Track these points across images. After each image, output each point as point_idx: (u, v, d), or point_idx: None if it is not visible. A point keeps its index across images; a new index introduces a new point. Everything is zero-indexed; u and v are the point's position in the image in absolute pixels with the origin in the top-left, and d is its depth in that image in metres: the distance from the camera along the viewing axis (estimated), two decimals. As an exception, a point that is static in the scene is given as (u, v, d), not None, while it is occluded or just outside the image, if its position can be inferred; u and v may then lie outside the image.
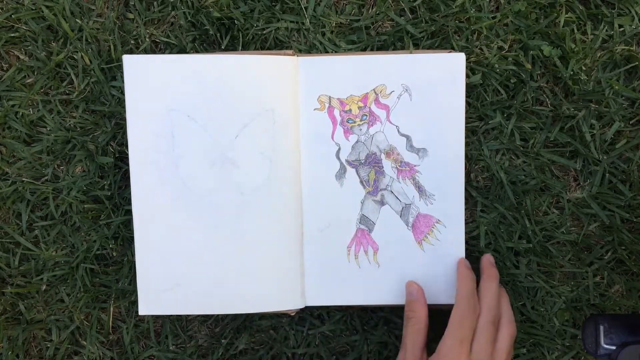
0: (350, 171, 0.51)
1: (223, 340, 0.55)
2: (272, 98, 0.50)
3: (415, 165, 0.51)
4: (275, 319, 0.55)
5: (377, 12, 0.52)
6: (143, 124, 0.49)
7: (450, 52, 0.50)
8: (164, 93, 0.49)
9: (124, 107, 0.53)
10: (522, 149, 0.52)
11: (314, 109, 0.51)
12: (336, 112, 0.51)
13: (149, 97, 0.49)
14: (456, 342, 0.44)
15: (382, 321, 0.54)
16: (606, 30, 0.52)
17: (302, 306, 0.52)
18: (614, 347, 0.45)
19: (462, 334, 0.44)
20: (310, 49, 0.52)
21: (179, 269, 0.50)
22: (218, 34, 0.53)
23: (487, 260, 0.50)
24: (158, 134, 0.50)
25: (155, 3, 0.53)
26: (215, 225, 0.50)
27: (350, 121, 0.51)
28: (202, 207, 0.50)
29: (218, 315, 0.55)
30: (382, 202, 0.51)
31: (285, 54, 0.50)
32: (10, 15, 0.54)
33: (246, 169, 0.50)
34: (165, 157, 0.50)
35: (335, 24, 0.52)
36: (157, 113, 0.50)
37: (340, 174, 0.51)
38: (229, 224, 0.50)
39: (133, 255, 0.54)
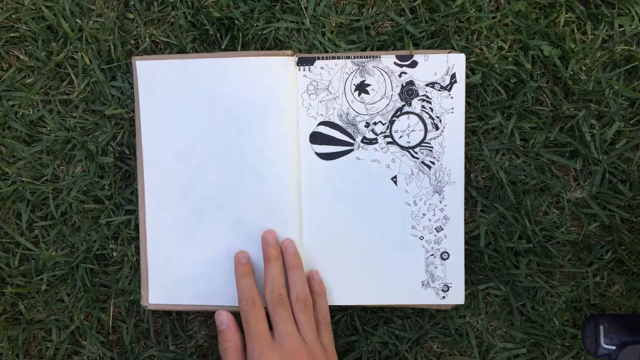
0: (350, 171, 0.52)
1: (223, 340, 0.55)
2: (272, 98, 0.50)
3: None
4: (275, 319, 0.55)
5: (377, 12, 0.52)
6: (155, 127, 0.51)
7: (450, 52, 0.50)
8: (171, 95, 0.51)
9: (124, 107, 0.53)
10: (522, 149, 0.52)
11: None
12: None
13: (159, 100, 0.51)
14: (253, 341, 0.45)
15: (382, 321, 0.54)
16: (606, 30, 0.52)
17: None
18: (614, 347, 0.45)
19: (254, 331, 0.45)
20: (310, 49, 0.52)
21: (184, 265, 0.52)
22: (218, 34, 0.53)
23: (263, 239, 0.50)
24: (165, 135, 0.51)
25: (155, 3, 0.53)
26: (218, 223, 0.51)
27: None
28: (206, 206, 0.51)
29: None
30: (382, 202, 0.51)
31: (285, 54, 0.50)
32: (10, 15, 0.54)
33: (247, 169, 0.51)
34: (172, 156, 0.51)
35: (335, 24, 0.52)
36: (168, 115, 0.51)
37: (340, 174, 0.52)
38: (231, 222, 0.51)
39: (133, 255, 0.54)
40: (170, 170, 0.51)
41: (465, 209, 0.51)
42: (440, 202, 0.51)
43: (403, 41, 0.52)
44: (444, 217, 0.51)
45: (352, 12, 0.53)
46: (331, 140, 0.51)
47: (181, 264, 0.52)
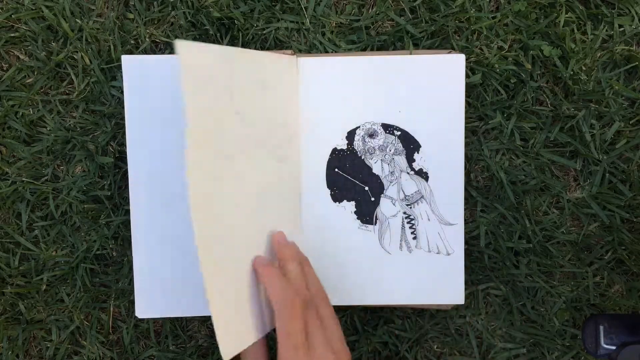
0: (350, 171, 0.52)
1: (223, 340, 0.55)
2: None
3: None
4: (275, 319, 0.55)
5: (377, 12, 0.52)
6: (142, 124, 0.50)
7: (450, 52, 0.50)
8: (162, 93, 0.50)
9: (124, 107, 0.53)
10: (522, 149, 0.52)
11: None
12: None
13: (148, 98, 0.50)
14: (290, 350, 0.39)
15: (382, 321, 0.54)
16: (606, 30, 0.52)
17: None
18: (614, 347, 0.45)
19: (294, 340, 0.39)
20: (310, 49, 0.52)
21: (176, 271, 0.51)
22: (218, 34, 0.53)
23: (276, 241, 0.46)
24: (156, 134, 0.50)
25: (155, 3, 0.53)
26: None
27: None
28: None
29: (218, 315, 0.55)
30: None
31: (284, 54, 0.50)
32: (10, 15, 0.54)
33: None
34: (163, 158, 0.50)
35: (335, 24, 0.52)
36: (156, 113, 0.50)
37: (340, 174, 0.52)
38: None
39: (133, 255, 0.54)
40: (159, 174, 0.50)
41: (465, 209, 0.51)
42: (441, 204, 0.51)
43: (403, 41, 0.52)
44: (445, 217, 0.51)
45: (352, 12, 0.53)
46: (331, 140, 0.51)
47: (170, 275, 0.51)
